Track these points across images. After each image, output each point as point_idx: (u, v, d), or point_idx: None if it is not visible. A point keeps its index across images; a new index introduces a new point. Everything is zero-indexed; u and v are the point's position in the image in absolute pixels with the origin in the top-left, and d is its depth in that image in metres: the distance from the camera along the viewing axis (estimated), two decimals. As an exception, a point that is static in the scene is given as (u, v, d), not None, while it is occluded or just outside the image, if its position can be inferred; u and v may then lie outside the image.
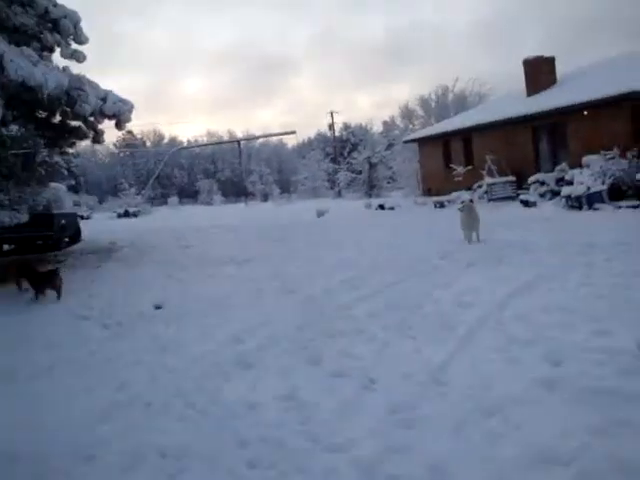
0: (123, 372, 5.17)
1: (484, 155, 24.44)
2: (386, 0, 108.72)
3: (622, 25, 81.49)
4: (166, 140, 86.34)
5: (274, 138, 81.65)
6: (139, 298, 8.29)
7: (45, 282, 8.56)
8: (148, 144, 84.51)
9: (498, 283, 7.54)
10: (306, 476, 3.24)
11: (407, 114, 47.31)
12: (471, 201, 14.18)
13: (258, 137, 75.49)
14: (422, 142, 31.77)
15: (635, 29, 72.36)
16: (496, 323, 5.77)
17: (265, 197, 63.71)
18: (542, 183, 20.39)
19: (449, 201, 23.20)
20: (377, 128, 69.73)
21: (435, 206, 23.05)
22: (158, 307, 7.67)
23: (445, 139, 29.01)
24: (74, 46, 12.93)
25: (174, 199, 60.80)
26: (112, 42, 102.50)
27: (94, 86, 13.53)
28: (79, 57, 13.02)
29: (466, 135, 27.22)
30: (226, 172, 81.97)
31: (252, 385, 4.67)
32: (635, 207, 15.53)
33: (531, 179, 21.17)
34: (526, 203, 19.19)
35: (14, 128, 13.33)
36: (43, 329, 7.01)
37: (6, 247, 17.64)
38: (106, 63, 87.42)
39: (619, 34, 78.28)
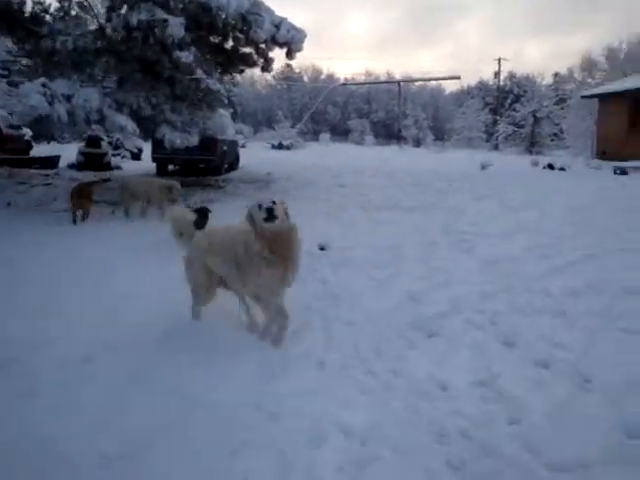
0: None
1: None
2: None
3: None
4: (324, 76, 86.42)
5: (433, 83, 78.73)
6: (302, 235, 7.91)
7: None
8: (305, 79, 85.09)
9: None
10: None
11: (588, 66, 42.76)
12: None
13: (420, 79, 72.76)
14: (604, 98, 28.61)
15: None
16: None
17: (417, 142, 62.02)
18: None
19: (635, 168, 20.55)
20: (546, 81, 64.42)
21: (615, 172, 20.53)
22: (322, 248, 7.25)
23: (635, 96, 25.76)
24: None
25: (325, 135, 60.98)
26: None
27: (270, 12, 13.18)
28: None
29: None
30: (380, 113, 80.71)
31: (439, 359, 4.05)
32: None
33: None
34: None
35: (187, 53, 13.41)
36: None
37: (170, 167, 18.35)
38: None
39: None
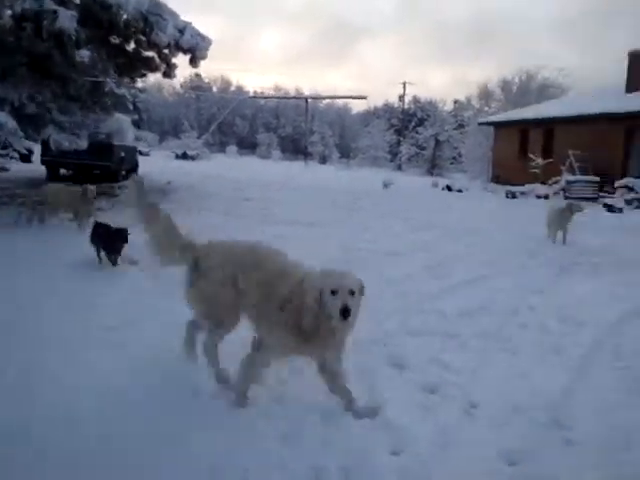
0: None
1: (565, 149, 22.85)
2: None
3: None
4: (233, 88, 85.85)
5: (340, 101, 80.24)
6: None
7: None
8: (214, 89, 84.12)
9: (604, 299, 6.48)
10: None
11: (485, 95, 45.08)
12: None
13: (327, 97, 73.90)
14: (499, 126, 30.18)
15: None
16: (614, 355, 4.74)
17: (323, 159, 62.70)
18: (630, 189, 18.80)
19: (522, 192, 21.76)
20: (447, 106, 67.32)
21: (507, 195, 21.66)
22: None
23: (524, 127, 27.41)
24: (156, -31, 12.08)
25: (232, 148, 60.35)
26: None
27: (173, 15, 12.73)
28: (160, -18, 12.17)
29: (548, 126, 25.59)
30: (288, 128, 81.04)
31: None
32: None
33: (618, 183, 19.57)
34: (610, 208, 17.69)
35: (84, 51, 12.66)
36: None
37: (63, 171, 17.28)
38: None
39: None
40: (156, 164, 27.49)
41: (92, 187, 8.93)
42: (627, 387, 4.09)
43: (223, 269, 3.63)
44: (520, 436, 3.33)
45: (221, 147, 66.33)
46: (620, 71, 25.05)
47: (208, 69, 79.10)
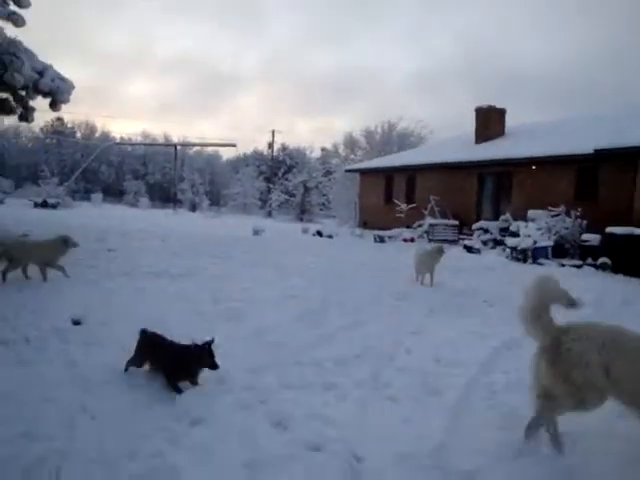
0: (29, 413, 3.89)
1: (427, 195, 24.24)
2: (337, 41, 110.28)
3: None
4: (98, 134, 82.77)
5: (210, 148, 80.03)
6: (53, 307, 6.88)
7: None
8: (78, 135, 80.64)
9: (474, 337, 6.75)
10: None
11: (350, 143, 47.06)
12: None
13: (197, 144, 73.55)
14: (364, 173, 31.43)
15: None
16: (489, 392, 4.90)
17: (194, 207, 61.68)
18: (485, 231, 20.22)
19: (389, 236, 22.66)
20: (315, 154, 69.48)
21: (375, 240, 22.41)
22: (77, 322, 6.31)
23: (388, 174, 28.75)
24: (13, 7, 11.35)
25: (98, 195, 57.48)
26: (57, 22, 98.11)
27: (30, 55, 12.00)
28: (17, 20, 11.45)
29: (410, 173, 27.05)
30: (156, 176, 79.20)
31: (203, 454, 3.53)
32: (578, 266, 15.44)
33: (475, 225, 21.00)
34: (470, 249, 18.87)
35: None
36: None
37: None
38: (47, 42, 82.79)
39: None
40: (12, 213, 25.48)
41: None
42: (501, 424, 4.19)
43: (593, 354, 3.56)
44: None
45: (86, 195, 63.06)
46: (471, 123, 27.26)
47: (71, 114, 75.37)
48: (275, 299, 8.35)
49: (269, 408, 4.27)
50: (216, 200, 69.59)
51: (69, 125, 79.90)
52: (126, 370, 4.77)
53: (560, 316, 3.83)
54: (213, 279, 9.81)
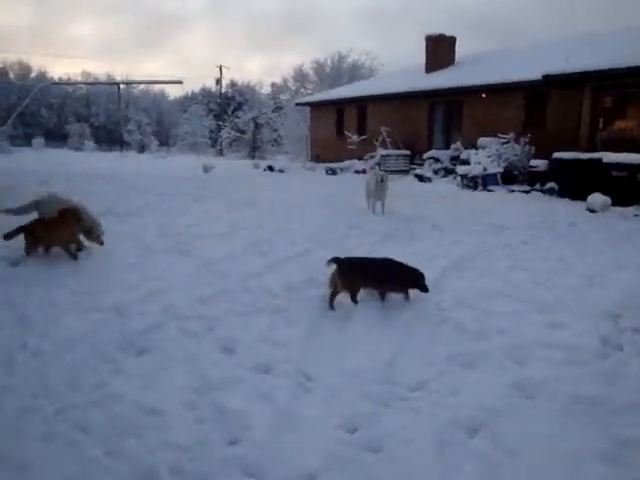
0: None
1: (378, 126, 23.99)
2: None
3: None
4: (34, 74, 78.51)
5: (156, 87, 77.34)
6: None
7: None
8: (11, 76, 76.35)
9: (424, 259, 6.75)
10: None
11: (300, 77, 45.89)
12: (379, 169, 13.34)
13: (140, 82, 70.68)
14: (315, 107, 30.84)
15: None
16: (437, 309, 4.95)
17: (142, 148, 59.97)
18: (437, 160, 20.25)
19: (341, 168, 22.55)
20: (265, 90, 67.80)
21: (327, 172, 22.30)
22: (15, 264, 6.04)
23: (339, 106, 28.26)
24: None
25: (40, 140, 55.04)
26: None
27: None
28: None
29: (361, 104, 26.65)
30: (101, 118, 76.19)
31: (149, 381, 3.45)
32: (526, 192, 15.69)
33: (426, 155, 20.99)
34: (421, 178, 18.94)
35: None
36: None
37: None
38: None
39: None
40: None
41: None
42: (449, 338, 4.24)
43: None
44: (359, 400, 3.29)
45: (26, 140, 60.29)
46: (421, 53, 26.81)
47: (2, 54, 71.16)
48: (225, 231, 8.21)
49: (217, 335, 4.21)
50: (165, 140, 67.76)
51: (0, 65, 75.51)
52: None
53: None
54: (162, 215, 9.57)
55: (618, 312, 4.85)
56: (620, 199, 12.47)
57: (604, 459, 2.75)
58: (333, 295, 4.90)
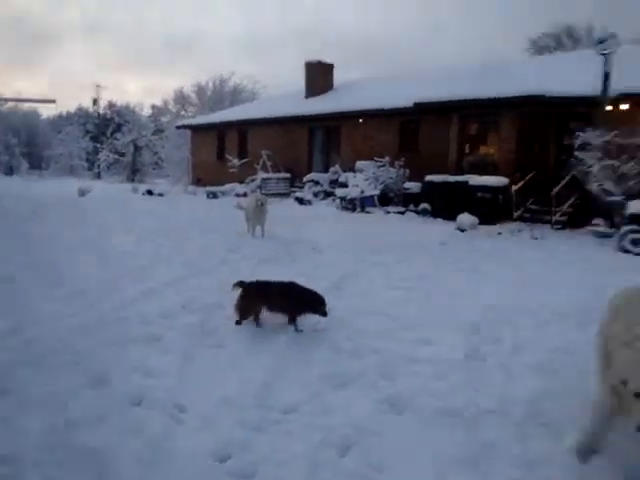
0: None
1: (259, 150, 24.18)
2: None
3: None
4: None
5: (27, 107, 72.61)
6: None
7: None
8: None
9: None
10: None
11: (181, 99, 45.33)
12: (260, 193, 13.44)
13: (9, 99, 66.02)
14: (196, 130, 30.52)
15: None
16: (313, 330, 5.03)
17: (10, 170, 56.10)
18: (316, 183, 20.70)
19: (222, 192, 22.47)
20: (145, 112, 66.07)
21: (208, 196, 22.15)
22: None
23: (220, 130, 28.18)
24: None
25: None
26: None
27: None
28: None
29: (242, 128, 26.74)
30: (-40, 137, 70.44)
31: (9, 419, 3.22)
32: (401, 213, 16.46)
33: (306, 178, 21.38)
34: (301, 201, 19.26)
35: None
36: None
37: None
38: None
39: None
40: None
41: None
42: (324, 358, 4.32)
43: None
44: (233, 427, 3.27)
45: None
46: (301, 79, 27.41)
47: None
48: (98, 258, 7.87)
49: (87, 366, 4.00)
50: (37, 162, 63.86)
51: None
52: None
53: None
54: (27, 244, 9.00)
55: (482, 325, 5.20)
56: (486, 218, 13.48)
57: (468, 464, 2.92)
58: (255, 315, 5.00)
